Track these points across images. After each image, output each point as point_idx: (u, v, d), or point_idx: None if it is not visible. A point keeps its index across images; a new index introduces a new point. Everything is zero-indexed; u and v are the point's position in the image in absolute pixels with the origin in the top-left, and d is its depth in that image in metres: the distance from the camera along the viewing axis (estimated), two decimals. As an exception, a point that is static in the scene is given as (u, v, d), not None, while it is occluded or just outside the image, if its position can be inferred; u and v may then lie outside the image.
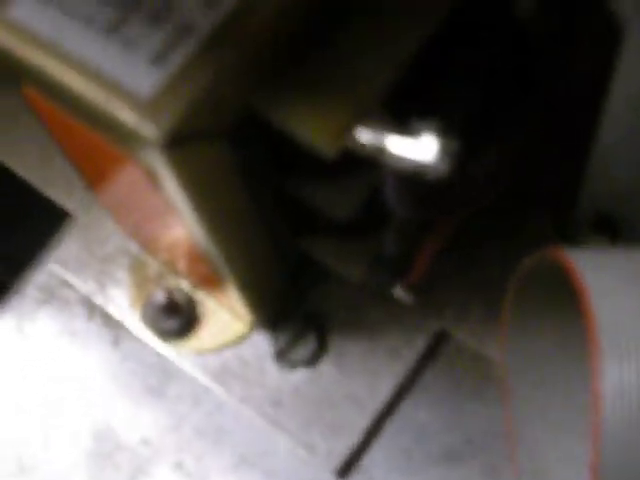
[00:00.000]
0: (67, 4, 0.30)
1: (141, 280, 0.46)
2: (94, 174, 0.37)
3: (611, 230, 0.39)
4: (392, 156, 0.29)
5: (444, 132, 0.28)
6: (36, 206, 0.49)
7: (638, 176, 0.37)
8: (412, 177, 0.30)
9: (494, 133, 0.36)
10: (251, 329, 0.44)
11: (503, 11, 0.38)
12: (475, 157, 0.32)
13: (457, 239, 0.40)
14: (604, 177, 0.38)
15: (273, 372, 0.44)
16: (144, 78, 0.28)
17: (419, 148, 0.28)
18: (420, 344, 0.43)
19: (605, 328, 0.29)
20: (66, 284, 0.47)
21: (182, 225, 0.35)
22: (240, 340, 0.44)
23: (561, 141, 0.42)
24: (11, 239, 0.49)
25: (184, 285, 0.45)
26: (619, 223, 0.39)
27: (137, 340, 0.46)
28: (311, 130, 0.30)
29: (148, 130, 0.27)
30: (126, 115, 0.28)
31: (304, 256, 0.41)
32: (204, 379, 0.44)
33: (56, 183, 0.50)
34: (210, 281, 0.41)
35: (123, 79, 0.28)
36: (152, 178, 0.31)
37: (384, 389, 0.43)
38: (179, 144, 0.28)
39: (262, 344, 0.44)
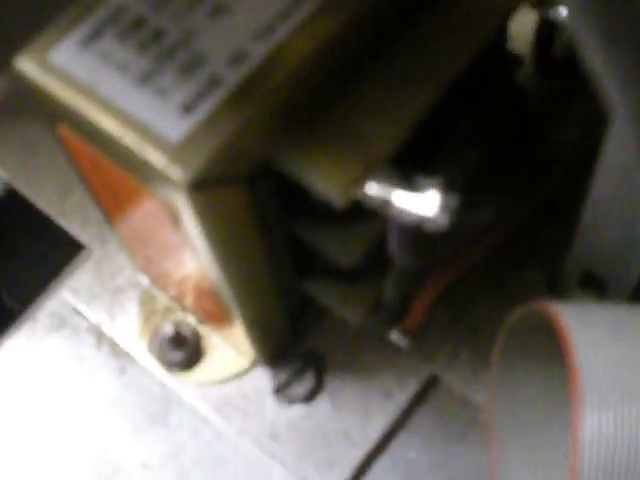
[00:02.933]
0: (105, 52, 0.32)
1: (150, 313, 0.48)
2: (115, 208, 0.40)
3: (598, 287, 0.41)
4: (397, 209, 0.31)
5: (445, 189, 0.30)
6: (52, 236, 0.52)
7: (625, 237, 0.38)
8: (414, 229, 0.32)
9: (492, 188, 0.39)
10: (252, 364, 0.46)
11: (504, 75, 0.40)
12: (473, 210, 0.35)
13: (451, 289, 0.43)
14: (592, 237, 0.40)
15: (271, 406, 0.46)
16: (174, 125, 0.31)
17: (422, 203, 0.31)
18: (411, 387, 0.45)
19: (586, 380, 0.31)
20: (77, 312, 0.49)
21: (195, 262, 0.37)
22: (241, 374, 0.46)
23: (554, 199, 0.44)
24: (27, 267, 0.51)
25: (190, 320, 0.47)
26: (606, 280, 0.41)
27: (142, 370, 0.47)
28: (324, 180, 0.32)
29: (176, 173, 0.30)
30: (156, 158, 0.30)
31: (306, 297, 0.43)
32: (205, 410, 0.46)
33: (73, 216, 0.52)
34: (216, 317, 0.43)
35: (154, 125, 0.31)
36: (172, 216, 0.33)
37: (376, 428, 0.45)
38: (203, 187, 0.31)
39: (262, 379, 0.46)
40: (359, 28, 0.33)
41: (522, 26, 0.43)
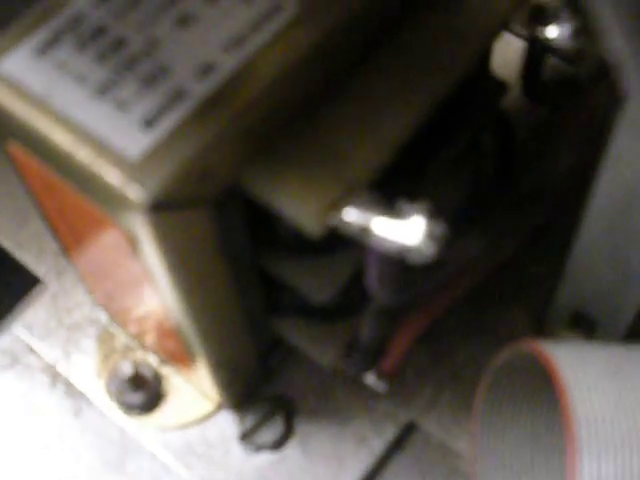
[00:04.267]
0: (61, 61, 0.30)
1: (108, 351, 0.45)
2: (71, 236, 0.37)
3: (587, 327, 0.39)
4: (377, 237, 0.28)
5: (431, 216, 0.28)
6: (6, 269, 0.49)
7: (616, 276, 0.37)
8: (395, 260, 0.29)
9: (477, 220, 0.37)
10: (217, 408, 0.43)
11: (489, 101, 0.38)
12: (458, 243, 0.32)
13: (431, 330, 0.40)
14: (582, 275, 0.38)
15: (237, 454, 0.43)
16: (133, 141, 0.28)
17: (405, 230, 0.28)
18: (388, 433, 0.42)
19: (583, 425, 0.29)
20: (31, 350, 0.46)
21: (156, 296, 0.34)
22: (205, 419, 0.44)
23: (540, 233, 0.42)
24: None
25: (151, 359, 0.44)
26: (596, 321, 0.39)
27: (99, 412, 0.45)
28: (298, 206, 0.29)
29: (134, 192, 0.27)
30: (113, 176, 0.28)
31: (276, 335, 0.41)
32: (166, 457, 0.43)
33: (28, 247, 0.49)
34: (179, 357, 0.41)
35: (112, 140, 0.28)
36: (132, 243, 0.30)
37: (349, 477, 0.42)
38: (163, 209, 0.28)
39: (228, 424, 0.43)
40: (337, 42, 0.31)
41: (507, 53, 0.42)
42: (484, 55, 0.37)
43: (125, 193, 0.27)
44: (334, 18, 0.30)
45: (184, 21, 0.31)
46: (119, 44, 0.30)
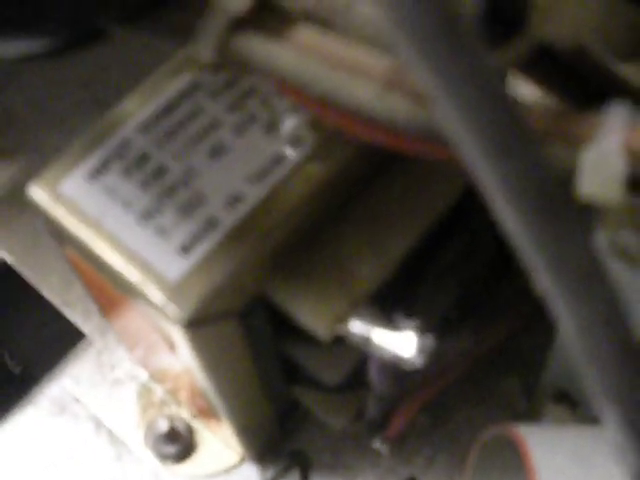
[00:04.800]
0: (110, 186, 0.35)
1: (146, 404, 0.50)
2: (113, 315, 0.42)
3: (570, 404, 0.43)
4: (376, 346, 0.34)
5: (422, 331, 0.33)
6: (56, 324, 0.54)
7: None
8: (392, 364, 0.34)
9: (471, 314, 0.41)
10: (241, 460, 0.49)
11: (482, 216, 0.42)
12: (449, 342, 0.37)
13: (432, 401, 0.45)
14: (566, 359, 0.42)
15: (259, 502, 0.48)
16: (172, 264, 0.33)
17: (400, 342, 0.33)
18: (392, 488, 0.48)
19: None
20: (77, 400, 0.52)
21: (188, 372, 0.39)
22: (231, 469, 0.49)
23: (531, 317, 0.46)
24: (30, 353, 0.54)
25: (184, 414, 0.50)
26: (576, 399, 0.43)
27: (137, 459, 0.50)
28: (311, 316, 0.34)
29: (173, 311, 0.32)
30: (155, 295, 0.33)
31: (293, 400, 0.46)
32: (195, 502, 0.49)
33: (75, 306, 0.54)
34: (207, 414, 0.45)
35: (155, 263, 0.33)
36: (170, 344, 0.36)
37: (358, 527, 0.47)
38: (197, 324, 0.33)
39: (251, 475, 0.49)
40: (348, 174, 0.35)
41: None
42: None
43: (165, 311, 0.33)
44: (346, 155, 0.35)
45: (217, 151, 0.35)
46: (160, 172, 0.35)
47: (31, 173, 0.36)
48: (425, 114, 0.24)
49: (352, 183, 0.36)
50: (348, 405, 0.44)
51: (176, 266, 0.33)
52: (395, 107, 0.25)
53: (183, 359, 0.37)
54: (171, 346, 0.36)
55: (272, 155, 0.35)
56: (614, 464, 0.24)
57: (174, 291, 0.32)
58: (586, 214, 0.26)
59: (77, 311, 0.54)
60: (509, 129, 0.18)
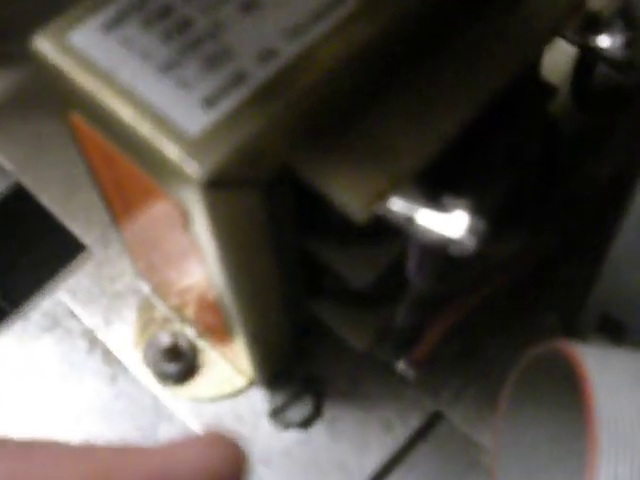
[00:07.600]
0: (128, 38, 0.31)
1: (147, 321, 0.46)
2: (123, 207, 0.38)
3: (616, 333, 0.40)
4: (421, 228, 0.29)
5: (474, 211, 0.29)
6: (54, 234, 0.50)
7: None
8: (436, 250, 0.30)
9: (519, 221, 0.37)
10: (249, 384, 0.45)
11: (537, 104, 0.39)
12: (498, 240, 0.33)
13: (463, 326, 0.41)
14: (615, 281, 0.38)
15: (265, 429, 0.44)
16: (193, 118, 0.29)
17: (448, 223, 0.29)
18: (414, 421, 0.43)
19: (605, 425, 0.30)
20: (72, 314, 0.48)
21: (201, 269, 0.35)
22: (237, 394, 0.45)
23: (576, 241, 0.43)
24: (25, 263, 0.50)
25: (189, 332, 0.45)
26: (625, 327, 0.40)
27: (134, 380, 0.46)
28: (346, 192, 0.30)
29: (191, 168, 0.28)
30: (172, 151, 0.29)
31: (312, 317, 0.42)
32: (196, 426, 0.45)
33: (77, 215, 0.50)
34: (216, 330, 0.42)
35: (173, 117, 0.29)
36: (184, 216, 0.31)
37: (373, 460, 0.43)
38: (218, 186, 0.29)
39: (258, 400, 0.44)
40: (395, 36, 0.32)
41: (559, 57, 0.42)
42: (536, 59, 0.38)
43: (183, 168, 0.28)
44: (393, 14, 0.31)
45: (248, 6, 0.32)
46: (185, 24, 0.31)
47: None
48: None
49: (399, 49, 0.32)
50: (373, 322, 0.40)
51: (198, 120, 0.29)
52: None
53: (198, 242, 0.33)
54: (185, 225, 0.32)
55: (310, 12, 0.32)
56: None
57: (194, 146, 0.29)
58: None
59: (78, 221, 0.50)
60: None
